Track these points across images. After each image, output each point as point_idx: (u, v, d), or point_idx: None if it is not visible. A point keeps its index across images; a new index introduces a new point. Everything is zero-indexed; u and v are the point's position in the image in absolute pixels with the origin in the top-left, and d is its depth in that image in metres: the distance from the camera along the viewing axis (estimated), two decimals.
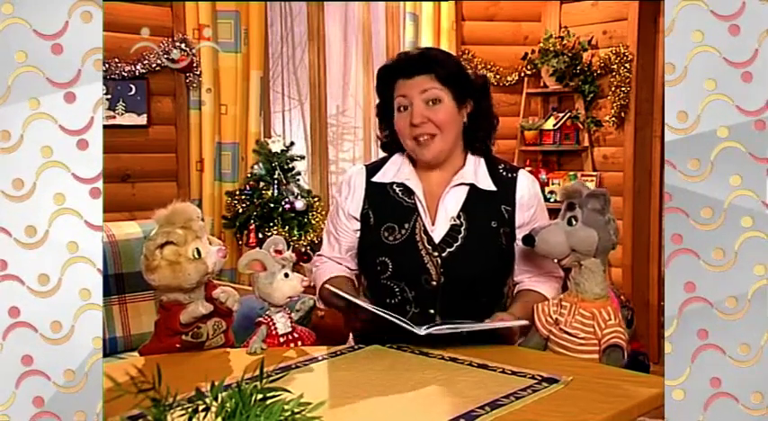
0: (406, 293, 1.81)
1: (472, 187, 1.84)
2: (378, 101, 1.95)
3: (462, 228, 1.81)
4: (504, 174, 1.88)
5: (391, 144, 1.93)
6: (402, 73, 1.81)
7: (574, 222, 1.63)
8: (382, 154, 1.99)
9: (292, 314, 1.73)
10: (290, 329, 1.67)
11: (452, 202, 1.83)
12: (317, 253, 2.01)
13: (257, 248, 1.73)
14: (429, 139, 1.80)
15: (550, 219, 1.82)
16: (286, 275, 1.66)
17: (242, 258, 1.68)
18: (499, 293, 1.89)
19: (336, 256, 1.94)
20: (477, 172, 1.86)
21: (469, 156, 1.89)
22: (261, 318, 1.67)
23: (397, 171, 1.88)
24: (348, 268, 1.95)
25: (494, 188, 1.85)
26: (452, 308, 1.78)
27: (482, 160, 1.89)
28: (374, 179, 1.90)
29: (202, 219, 1.65)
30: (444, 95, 1.79)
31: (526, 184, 1.88)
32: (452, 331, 1.58)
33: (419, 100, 1.78)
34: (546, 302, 1.71)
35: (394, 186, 1.87)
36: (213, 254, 1.60)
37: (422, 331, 1.54)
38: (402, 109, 1.81)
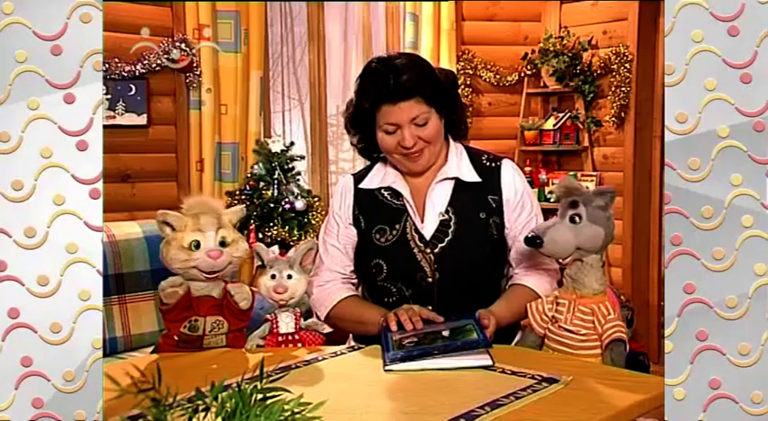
0: (403, 292, 1.82)
1: (457, 181, 1.85)
2: (350, 107, 1.89)
3: (451, 223, 1.82)
4: (488, 164, 1.89)
5: (369, 149, 1.92)
6: (387, 98, 1.77)
7: (578, 220, 1.62)
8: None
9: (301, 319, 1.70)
10: (292, 330, 1.66)
11: (439, 198, 1.84)
12: (318, 269, 1.92)
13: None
14: (419, 154, 1.81)
15: (546, 218, 1.82)
16: (273, 277, 1.66)
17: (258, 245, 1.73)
18: (496, 286, 1.89)
19: (339, 270, 1.92)
20: (460, 165, 1.87)
21: (451, 150, 1.89)
22: (268, 315, 1.68)
23: (382, 177, 1.90)
24: (352, 284, 1.95)
25: (478, 179, 1.85)
26: (449, 302, 1.79)
27: (464, 153, 1.90)
28: (361, 186, 1.91)
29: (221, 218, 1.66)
30: (431, 114, 1.78)
31: (511, 172, 1.89)
32: (415, 368, 1.48)
33: (408, 125, 1.77)
34: (540, 300, 1.70)
35: (381, 190, 1.89)
36: (203, 251, 1.60)
37: (385, 367, 1.49)
38: (389, 131, 1.79)
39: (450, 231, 1.82)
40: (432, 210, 1.84)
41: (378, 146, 1.87)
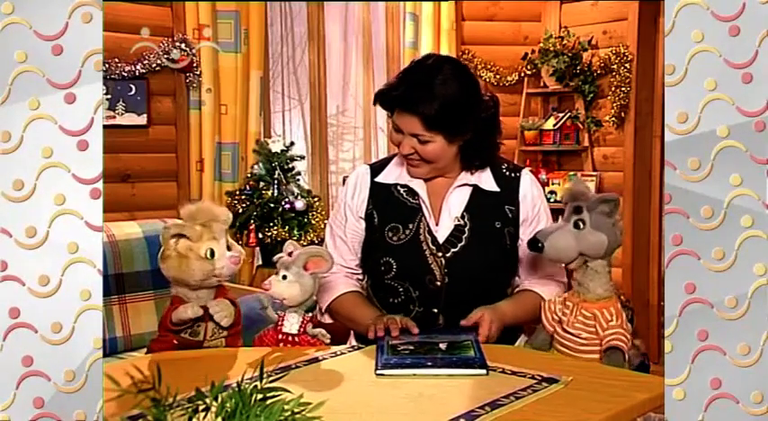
0: (410, 293, 1.81)
1: (476, 187, 1.84)
2: None
3: (466, 229, 1.81)
4: (508, 173, 1.88)
5: None
6: (395, 103, 1.75)
7: (581, 226, 1.61)
8: (383, 154, 1.98)
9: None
10: (295, 332, 1.65)
11: (456, 203, 1.83)
12: None
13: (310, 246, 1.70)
14: (417, 163, 1.80)
15: (552, 219, 1.82)
16: (284, 277, 1.63)
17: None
18: (503, 294, 1.89)
19: (344, 263, 1.92)
20: (479, 173, 1.86)
21: None
22: (280, 312, 1.66)
23: (400, 172, 1.88)
24: (357, 279, 1.95)
25: (497, 189, 1.84)
26: (456, 307, 1.78)
27: None
28: (377, 179, 1.89)
29: (231, 224, 1.65)
30: (435, 138, 1.74)
31: (529, 183, 1.88)
32: (408, 372, 1.45)
33: (409, 135, 1.75)
34: (552, 300, 1.70)
35: (398, 186, 1.87)
36: (225, 258, 1.60)
37: (377, 371, 1.46)
38: (396, 129, 1.78)
39: (464, 237, 1.80)
40: (447, 214, 1.83)
41: None
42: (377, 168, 1.92)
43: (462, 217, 1.82)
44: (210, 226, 1.60)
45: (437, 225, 1.82)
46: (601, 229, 1.60)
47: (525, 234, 1.83)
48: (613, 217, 1.62)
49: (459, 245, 1.80)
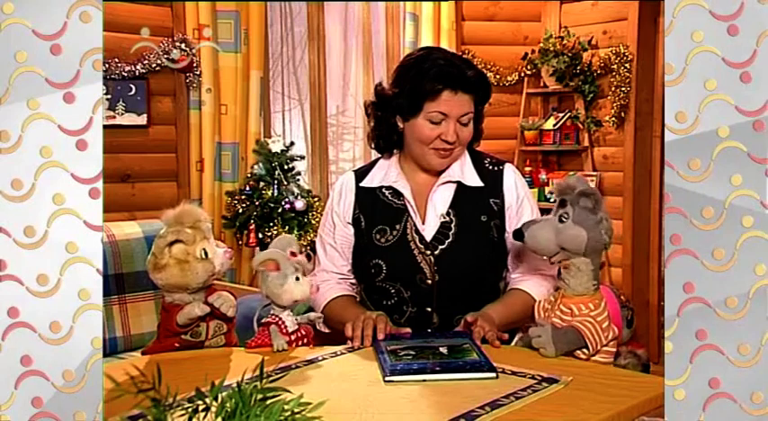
0: (402, 294, 1.82)
1: (459, 184, 1.85)
2: (384, 90, 1.85)
3: (452, 225, 1.81)
4: (491, 167, 1.89)
5: (387, 144, 1.90)
6: (452, 84, 1.76)
7: (564, 219, 1.62)
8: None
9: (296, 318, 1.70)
10: (296, 327, 1.66)
11: (441, 200, 1.84)
12: (316, 269, 1.95)
13: (273, 249, 1.68)
14: (450, 152, 1.81)
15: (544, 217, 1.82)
16: (297, 279, 1.62)
17: (258, 255, 1.63)
18: (495, 288, 1.89)
19: (335, 269, 1.93)
20: (463, 169, 1.86)
21: None
22: (268, 319, 1.65)
23: (384, 175, 1.89)
24: (350, 283, 1.95)
25: (481, 184, 1.85)
26: (449, 305, 1.79)
27: (467, 156, 1.89)
28: (362, 184, 1.90)
29: (210, 221, 1.66)
30: (471, 116, 1.81)
31: (513, 176, 1.89)
32: (418, 378, 1.43)
33: (455, 119, 1.77)
34: (545, 298, 1.70)
35: (383, 189, 1.88)
36: (220, 254, 1.61)
37: (386, 378, 1.44)
38: (434, 121, 1.77)
39: (450, 233, 1.81)
40: (433, 212, 1.84)
41: (392, 139, 1.87)
42: (361, 174, 1.94)
43: (448, 214, 1.83)
44: (199, 227, 1.60)
45: (423, 224, 1.83)
46: (582, 225, 1.59)
47: (511, 226, 1.84)
48: (597, 214, 1.60)
49: (447, 241, 1.80)
